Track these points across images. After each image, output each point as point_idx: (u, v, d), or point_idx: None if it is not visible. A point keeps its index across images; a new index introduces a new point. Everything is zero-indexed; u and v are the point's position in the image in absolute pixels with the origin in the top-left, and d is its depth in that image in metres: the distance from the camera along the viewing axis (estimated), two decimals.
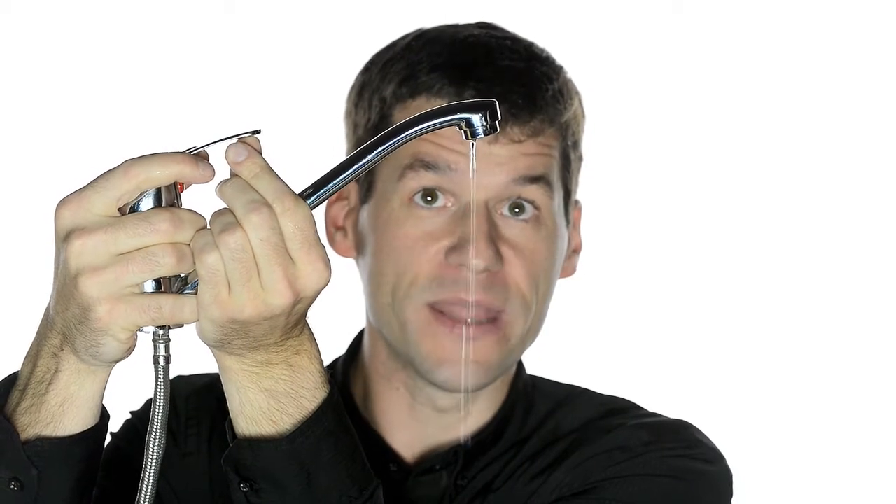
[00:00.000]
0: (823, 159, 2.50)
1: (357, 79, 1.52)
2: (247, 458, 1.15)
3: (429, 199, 1.44)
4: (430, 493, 1.47)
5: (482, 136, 1.09)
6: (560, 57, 1.52)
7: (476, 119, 1.09)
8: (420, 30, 1.51)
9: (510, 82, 1.44)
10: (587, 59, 2.35)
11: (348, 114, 1.53)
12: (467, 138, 1.10)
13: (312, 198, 1.09)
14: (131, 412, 1.51)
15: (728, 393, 2.48)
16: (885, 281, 2.52)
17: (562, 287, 1.53)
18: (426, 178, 1.43)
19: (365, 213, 1.49)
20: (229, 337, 1.10)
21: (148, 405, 1.51)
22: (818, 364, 2.52)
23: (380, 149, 1.09)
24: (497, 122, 1.10)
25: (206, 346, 1.14)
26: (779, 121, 2.50)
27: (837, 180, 2.50)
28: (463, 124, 1.09)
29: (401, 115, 1.46)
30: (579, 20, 2.47)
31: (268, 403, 1.14)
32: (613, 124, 2.38)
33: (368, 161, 1.09)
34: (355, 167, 1.09)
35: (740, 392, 2.49)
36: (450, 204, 1.44)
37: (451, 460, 1.47)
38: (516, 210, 1.44)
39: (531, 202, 1.45)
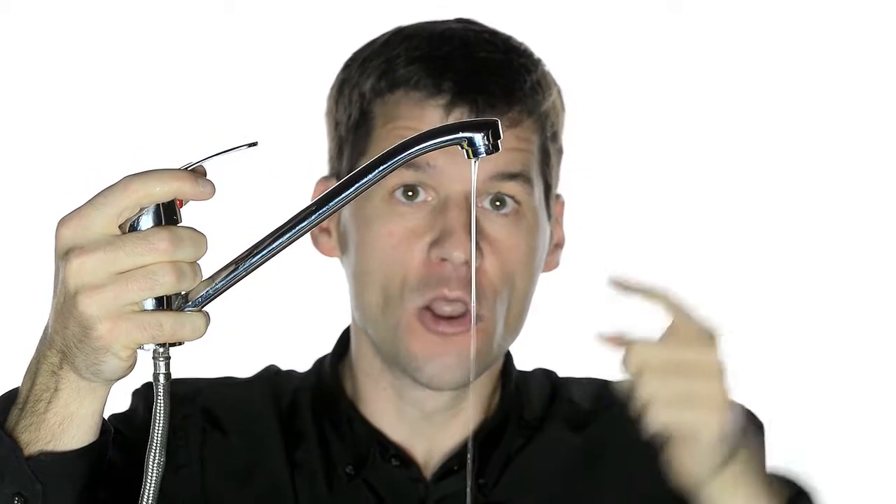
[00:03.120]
0: (818, 158, 2.49)
1: (337, 77, 1.52)
2: None
3: (409, 194, 1.44)
4: (454, 493, 1.47)
5: (484, 154, 1.09)
6: (555, 56, 1.52)
7: (478, 138, 1.09)
8: (398, 27, 1.51)
9: (488, 73, 1.44)
10: (586, 58, 2.35)
11: (329, 112, 1.52)
12: (469, 157, 1.09)
13: (314, 216, 1.08)
14: (112, 416, 1.49)
15: None
16: (880, 279, 2.51)
17: (558, 284, 1.53)
18: (406, 175, 1.43)
19: (347, 212, 1.48)
20: None
21: (132, 411, 1.50)
22: (814, 360, 2.51)
23: (382, 167, 1.08)
24: (499, 142, 1.09)
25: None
26: (775, 120, 2.49)
27: (833, 179, 2.50)
28: (465, 143, 1.09)
29: (380, 110, 1.46)
30: (580, 20, 2.47)
31: None
32: (612, 124, 2.38)
33: (370, 179, 1.08)
34: (357, 185, 1.08)
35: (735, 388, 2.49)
36: (430, 198, 1.44)
37: (465, 462, 1.47)
38: (497, 203, 1.44)
39: (511, 197, 1.45)
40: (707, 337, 1.22)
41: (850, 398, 2.52)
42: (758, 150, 2.48)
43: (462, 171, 1.41)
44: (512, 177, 1.44)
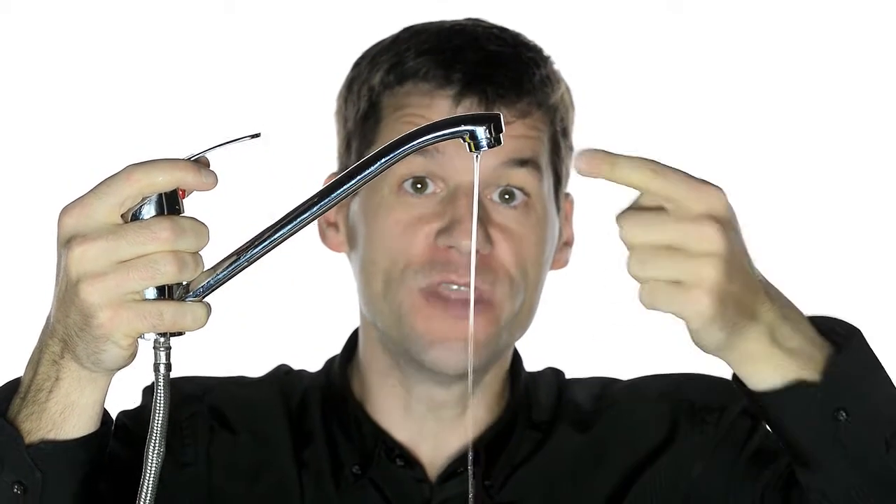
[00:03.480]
0: (820, 157, 2.49)
1: (346, 77, 1.53)
2: None
3: (418, 186, 1.44)
4: (459, 494, 1.47)
5: (486, 148, 1.09)
6: (556, 54, 1.52)
7: (480, 131, 1.09)
8: (407, 26, 1.51)
9: (497, 65, 1.45)
10: (586, 57, 2.35)
11: (338, 111, 1.53)
12: (471, 150, 1.09)
13: (316, 207, 1.09)
14: (122, 412, 1.49)
15: None
16: (883, 281, 2.52)
17: (559, 282, 1.54)
18: (415, 164, 1.43)
19: (355, 205, 1.49)
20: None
21: (142, 408, 1.50)
22: None
23: (384, 159, 1.08)
24: (500, 135, 1.09)
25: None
26: (776, 119, 2.49)
27: (835, 179, 2.50)
28: (466, 136, 1.08)
29: (389, 101, 1.46)
30: (580, 19, 2.47)
31: None
32: (613, 123, 2.37)
33: (373, 171, 1.08)
34: (359, 177, 1.09)
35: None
36: (439, 190, 1.44)
37: (473, 461, 1.48)
38: (506, 197, 1.44)
39: (521, 188, 1.44)
40: (702, 214, 1.09)
41: None
42: (759, 150, 2.48)
43: (472, 161, 1.41)
44: (522, 163, 1.44)
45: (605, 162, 1.09)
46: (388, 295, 1.44)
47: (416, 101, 1.44)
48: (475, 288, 1.41)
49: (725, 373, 1.21)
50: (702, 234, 1.08)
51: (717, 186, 1.11)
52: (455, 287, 1.42)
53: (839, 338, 1.18)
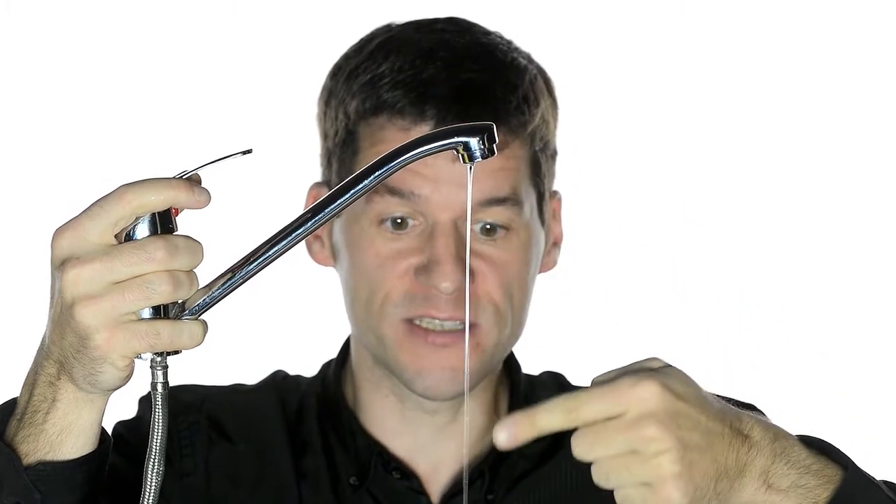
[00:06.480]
0: (820, 160, 2.49)
1: (326, 82, 1.51)
2: None
3: (398, 222, 1.43)
4: None
5: (480, 159, 1.08)
6: (558, 55, 1.51)
7: (474, 143, 1.08)
8: (388, 27, 1.50)
9: (471, 97, 1.43)
10: (587, 57, 2.35)
11: (319, 118, 1.52)
12: (465, 162, 1.09)
13: (311, 223, 1.08)
14: (119, 422, 1.49)
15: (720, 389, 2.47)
16: (874, 282, 2.52)
17: (553, 283, 1.53)
18: (393, 205, 1.42)
19: (337, 228, 1.49)
20: None
21: (138, 419, 1.50)
22: (809, 358, 2.51)
23: (377, 173, 1.08)
24: (494, 145, 1.09)
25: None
26: (778, 119, 2.49)
27: (834, 181, 2.50)
28: (460, 148, 1.08)
29: (365, 132, 1.45)
30: (582, 19, 2.47)
31: None
32: (615, 123, 2.38)
33: (366, 185, 1.08)
34: (353, 192, 1.09)
35: (733, 389, 2.49)
36: (418, 223, 1.43)
37: (475, 476, 1.47)
38: (487, 228, 1.44)
39: (501, 224, 1.44)
40: (638, 417, 1.07)
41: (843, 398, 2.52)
42: (760, 150, 2.48)
43: (448, 199, 1.41)
44: (500, 202, 1.43)
45: (524, 424, 1.09)
46: (371, 324, 1.45)
47: (391, 136, 1.43)
48: (460, 321, 1.41)
49: (727, 377, 1.21)
50: (645, 437, 1.07)
51: (641, 380, 1.07)
52: (438, 322, 1.42)
53: (836, 455, 1.16)
